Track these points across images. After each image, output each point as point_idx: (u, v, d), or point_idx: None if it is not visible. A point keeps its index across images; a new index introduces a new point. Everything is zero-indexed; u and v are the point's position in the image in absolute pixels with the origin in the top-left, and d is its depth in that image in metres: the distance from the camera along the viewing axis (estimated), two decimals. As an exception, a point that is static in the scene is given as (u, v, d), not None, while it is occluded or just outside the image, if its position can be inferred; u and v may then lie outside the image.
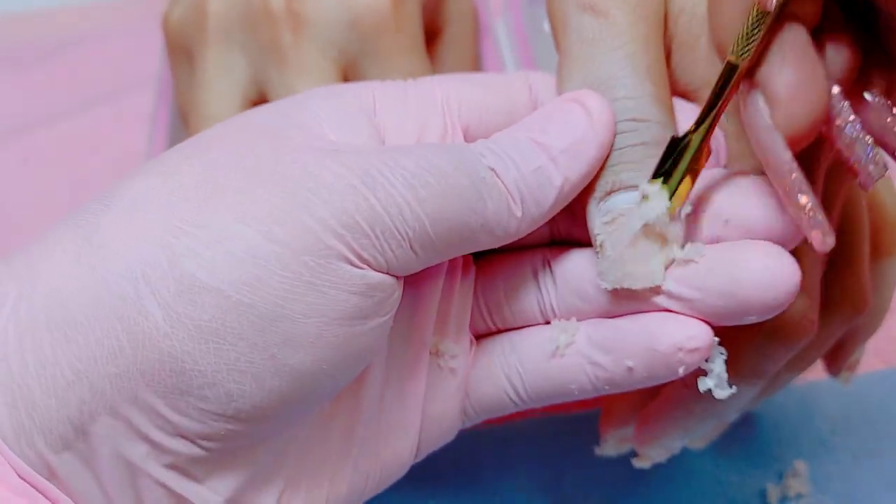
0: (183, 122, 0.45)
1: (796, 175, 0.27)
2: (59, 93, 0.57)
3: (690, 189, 0.29)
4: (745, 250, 0.29)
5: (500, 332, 0.33)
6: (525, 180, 0.29)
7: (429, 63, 0.43)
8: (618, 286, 0.29)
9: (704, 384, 0.30)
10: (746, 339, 0.32)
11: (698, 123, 0.29)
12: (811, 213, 0.27)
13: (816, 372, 0.39)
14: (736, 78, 0.28)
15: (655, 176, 0.29)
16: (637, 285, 0.29)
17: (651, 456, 0.38)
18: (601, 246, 0.30)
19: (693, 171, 0.29)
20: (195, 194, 0.27)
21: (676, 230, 0.29)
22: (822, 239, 0.28)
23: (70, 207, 0.52)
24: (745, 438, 0.43)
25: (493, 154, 0.29)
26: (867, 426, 0.44)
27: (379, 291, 0.27)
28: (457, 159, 0.28)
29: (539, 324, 0.32)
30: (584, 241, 0.31)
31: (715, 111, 0.28)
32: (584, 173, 0.30)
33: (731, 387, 0.30)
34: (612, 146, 0.30)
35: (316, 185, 0.27)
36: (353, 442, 0.31)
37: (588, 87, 0.30)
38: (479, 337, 0.33)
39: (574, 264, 0.31)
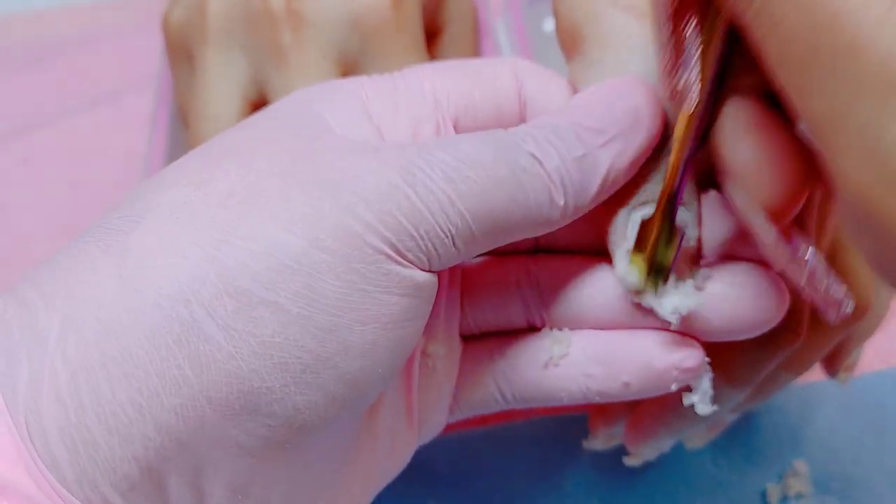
0: (183, 122, 0.45)
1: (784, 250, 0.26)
2: (59, 93, 0.57)
3: (671, 264, 0.29)
4: (740, 275, 0.29)
5: (486, 335, 0.33)
6: (567, 167, 0.28)
7: (429, 63, 0.43)
8: (645, 303, 0.30)
9: (689, 399, 0.30)
10: (735, 348, 0.33)
11: (662, 210, 0.29)
12: (813, 284, 0.26)
13: (816, 372, 0.39)
14: (682, 173, 0.28)
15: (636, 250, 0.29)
16: (665, 313, 0.29)
17: (642, 454, 0.38)
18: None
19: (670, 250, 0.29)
20: (234, 202, 0.26)
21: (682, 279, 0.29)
22: (826, 306, 0.26)
23: (70, 207, 0.53)
24: (745, 438, 0.43)
25: (534, 140, 0.28)
26: (867, 426, 0.44)
27: (424, 291, 0.27)
28: (495, 149, 0.27)
29: (525, 328, 0.32)
30: (569, 249, 0.31)
31: (669, 197, 0.28)
32: (631, 161, 0.29)
33: (713, 404, 0.30)
34: (658, 148, 0.29)
35: (357, 185, 0.26)
36: (378, 440, 0.31)
37: None
38: (466, 339, 0.33)
39: (566, 277, 0.31)
